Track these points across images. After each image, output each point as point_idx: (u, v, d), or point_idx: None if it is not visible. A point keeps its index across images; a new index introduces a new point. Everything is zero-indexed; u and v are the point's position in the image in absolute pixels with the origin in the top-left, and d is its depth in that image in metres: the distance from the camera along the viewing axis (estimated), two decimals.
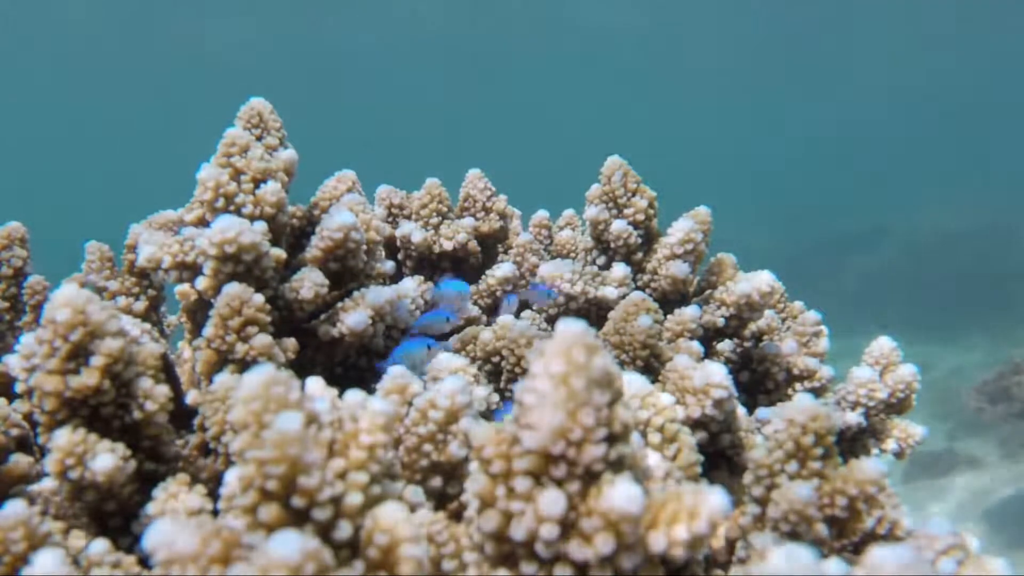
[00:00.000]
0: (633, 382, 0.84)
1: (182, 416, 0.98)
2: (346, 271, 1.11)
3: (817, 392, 1.30)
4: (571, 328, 0.53)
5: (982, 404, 4.63)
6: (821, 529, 0.74)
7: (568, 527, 0.53)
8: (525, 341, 1.09)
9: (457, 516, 0.74)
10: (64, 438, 0.75)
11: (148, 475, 0.83)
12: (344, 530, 0.54)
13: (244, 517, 0.54)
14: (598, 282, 1.25)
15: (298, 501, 0.53)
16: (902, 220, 9.31)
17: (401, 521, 0.54)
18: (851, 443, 1.25)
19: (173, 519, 0.53)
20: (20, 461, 0.87)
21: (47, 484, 0.83)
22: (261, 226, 1.03)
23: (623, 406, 0.55)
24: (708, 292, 1.28)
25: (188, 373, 1.08)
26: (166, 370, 0.95)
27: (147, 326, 1.16)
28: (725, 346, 1.25)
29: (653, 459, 0.78)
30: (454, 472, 0.77)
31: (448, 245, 1.36)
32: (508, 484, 0.55)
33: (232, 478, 0.68)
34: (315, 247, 1.09)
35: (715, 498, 0.54)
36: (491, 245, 1.43)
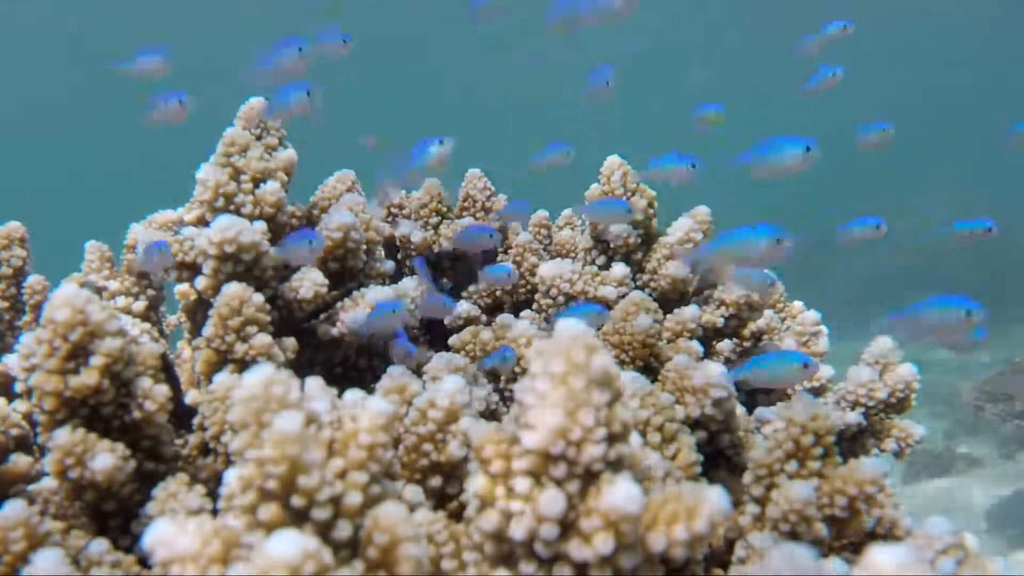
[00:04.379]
0: (633, 382, 0.84)
1: (182, 416, 0.98)
2: (346, 271, 1.11)
3: (817, 392, 1.30)
4: (571, 328, 0.53)
5: (982, 404, 4.63)
6: (820, 529, 0.74)
7: (567, 527, 0.53)
8: (525, 341, 1.09)
9: (456, 516, 0.74)
10: (64, 437, 0.75)
11: (147, 475, 0.83)
12: (344, 530, 0.54)
13: (244, 517, 0.54)
14: (597, 282, 1.25)
15: (297, 501, 0.53)
16: (902, 219, 9.30)
17: (401, 521, 0.54)
18: (851, 443, 1.25)
19: (172, 519, 0.54)
20: (20, 461, 0.87)
21: (47, 484, 0.83)
22: (261, 226, 1.03)
23: (623, 406, 0.55)
24: (707, 292, 1.28)
25: (188, 373, 1.09)
26: (166, 370, 0.95)
27: (146, 326, 1.16)
28: (724, 346, 1.25)
29: (653, 459, 0.78)
30: (453, 472, 0.77)
31: (447, 245, 1.36)
32: (507, 484, 0.55)
33: (231, 478, 0.68)
34: None
35: (714, 498, 0.54)
36: None
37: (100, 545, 0.71)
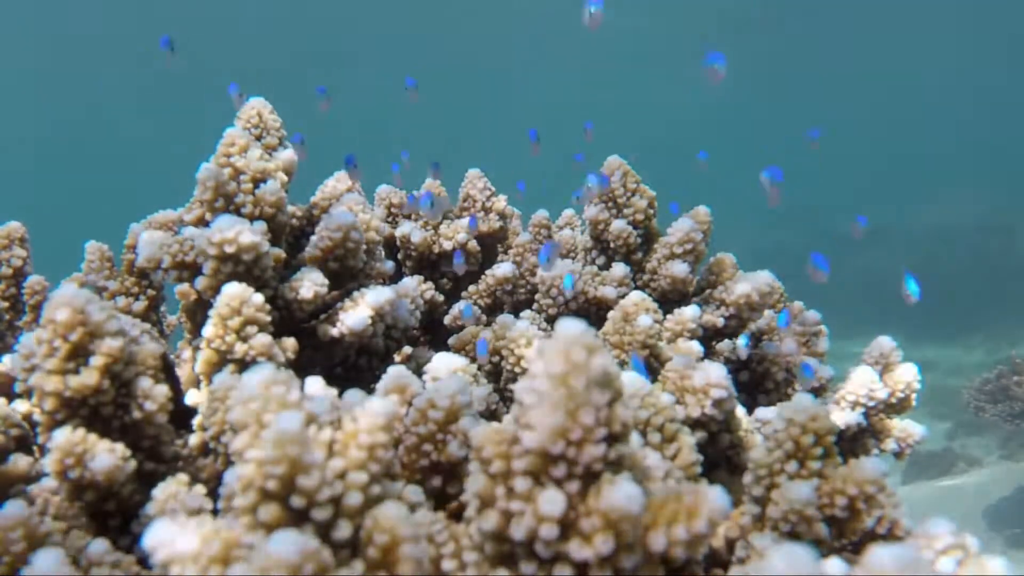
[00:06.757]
0: (633, 382, 0.84)
1: (182, 416, 0.98)
2: (346, 271, 1.11)
3: (817, 392, 1.30)
4: (571, 328, 0.53)
5: (982, 404, 4.63)
6: (821, 529, 0.74)
7: (568, 527, 0.53)
8: (525, 341, 1.09)
9: (457, 516, 0.74)
10: (64, 438, 0.75)
11: (148, 475, 0.83)
12: (344, 530, 0.54)
13: (244, 517, 0.54)
14: (598, 282, 1.25)
15: (298, 501, 0.53)
16: (902, 220, 9.32)
17: (401, 521, 0.54)
18: (851, 443, 1.25)
19: (173, 519, 0.53)
20: (20, 461, 0.87)
21: (47, 484, 0.83)
22: (260, 226, 1.02)
23: (623, 406, 0.55)
24: (708, 292, 1.28)
25: (188, 373, 1.08)
26: (166, 370, 0.95)
27: (147, 326, 1.16)
28: (724, 346, 1.25)
29: (653, 459, 0.78)
30: (454, 472, 0.77)
31: (448, 245, 1.36)
32: (508, 484, 0.54)
33: (232, 478, 0.68)
34: (315, 247, 1.08)
35: (714, 498, 0.54)
36: (491, 245, 1.43)
37: (100, 545, 0.71)
